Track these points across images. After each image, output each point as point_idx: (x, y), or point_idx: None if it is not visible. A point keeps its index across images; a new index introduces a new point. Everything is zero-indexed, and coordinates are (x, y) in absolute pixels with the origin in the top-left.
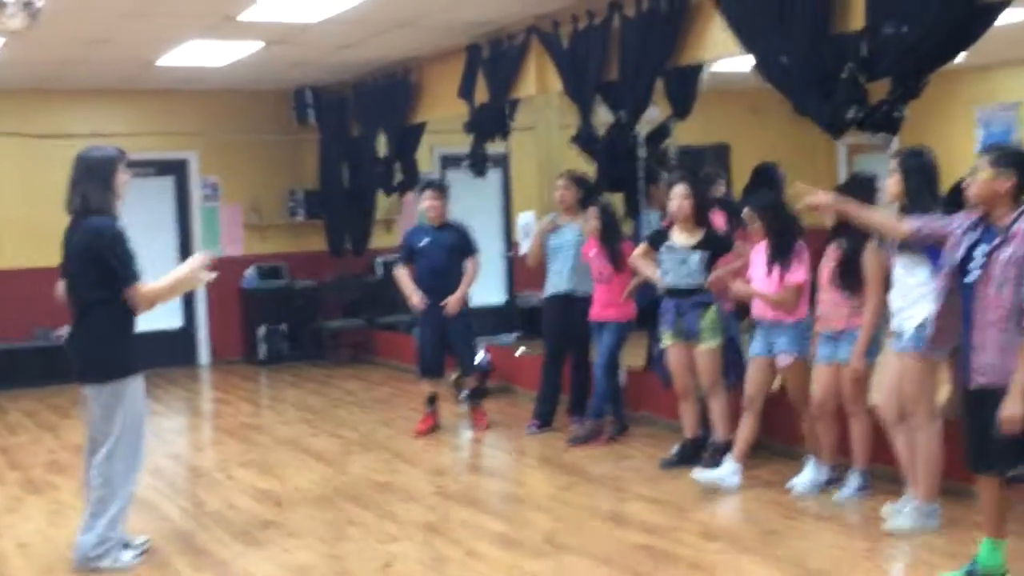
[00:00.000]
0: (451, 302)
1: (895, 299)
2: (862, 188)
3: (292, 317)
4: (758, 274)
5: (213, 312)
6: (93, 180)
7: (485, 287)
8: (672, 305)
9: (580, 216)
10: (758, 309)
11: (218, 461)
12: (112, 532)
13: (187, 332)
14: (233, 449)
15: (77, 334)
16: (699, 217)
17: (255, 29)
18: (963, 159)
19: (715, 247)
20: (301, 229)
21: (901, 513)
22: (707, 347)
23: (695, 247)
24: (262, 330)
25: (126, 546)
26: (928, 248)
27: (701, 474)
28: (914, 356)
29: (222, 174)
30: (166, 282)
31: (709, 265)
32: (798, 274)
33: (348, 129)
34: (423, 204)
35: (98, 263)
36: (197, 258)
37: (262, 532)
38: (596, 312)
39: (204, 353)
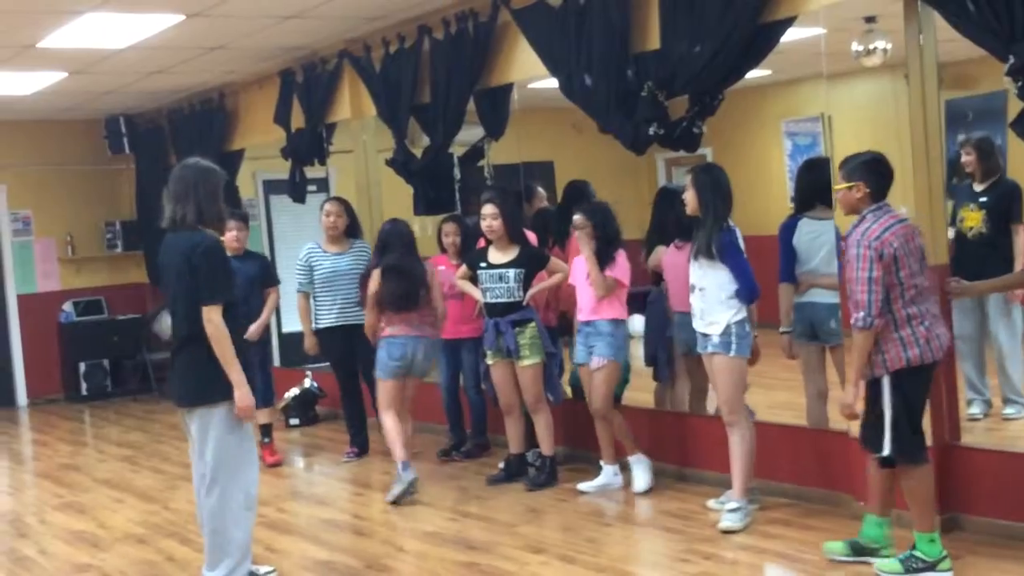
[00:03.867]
0: (251, 330)
1: (697, 303)
2: (671, 200)
3: (114, 351)
4: (581, 281)
5: (29, 350)
6: (208, 193)
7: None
8: (492, 323)
9: (347, 244)
10: (581, 315)
11: (32, 506)
12: None
13: (3, 371)
14: (48, 492)
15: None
16: (513, 234)
17: (57, 57)
18: (774, 170)
19: (531, 263)
20: (120, 261)
21: (725, 513)
22: (528, 364)
23: (510, 264)
24: (83, 366)
25: None
26: (726, 255)
27: (585, 485)
28: (725, 359)
29: (34, 207)
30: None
31: (527, 281)
32: (620, 271)
33: (165, 157)
34: (228, 234)
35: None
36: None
37: None
38: (451, 330)
39: (21, 393)
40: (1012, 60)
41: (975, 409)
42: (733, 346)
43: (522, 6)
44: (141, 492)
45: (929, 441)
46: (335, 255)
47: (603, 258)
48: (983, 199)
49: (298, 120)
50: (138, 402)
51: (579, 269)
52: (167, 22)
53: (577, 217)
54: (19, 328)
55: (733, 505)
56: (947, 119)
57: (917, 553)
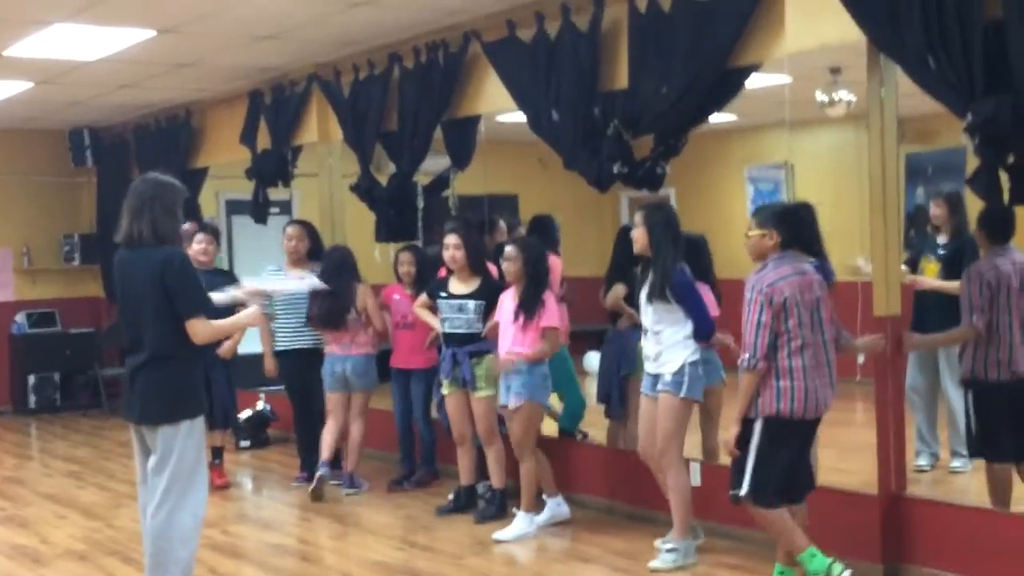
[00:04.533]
0: (225, 347)
1: (650, 345)
2: (626, 240)
3: (65, 365)
4: (506, 318)
5: None
6: (164, 209)
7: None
8: (449, 353)
9: (309, 267)
10: (502, 353)
11: None
12: None
13: None
14: None
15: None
16: (475, 266)
17: (24, 66)
18: (736, 215)
19: (491, 296)
20: (76, 274)
21: (662, 553)
22: (482, 395)
23: (471, 296)
24: (32, 379)
25: None
26: (682, 299)
27: (501, 534)
28: (672, 398)
29: None
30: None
31: (486, 313)
32: (551, 317)
33: (128, 172)
34: (194, 247)
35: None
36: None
37: None
38: (403, 360)
39: None
40: (970, 117)
41: (922, 461)
42: (685, 386)
43: (493, 40)
44: (85, 508)
45: (874, 490)
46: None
47: (531, 302)
48: (942, 251)
49: (264, 141)
50: (87, 417)
51: (506, 305)
52: (139, 36)
53: (509, 248)
54: None
55: (670, 545)
56: (907, 173)
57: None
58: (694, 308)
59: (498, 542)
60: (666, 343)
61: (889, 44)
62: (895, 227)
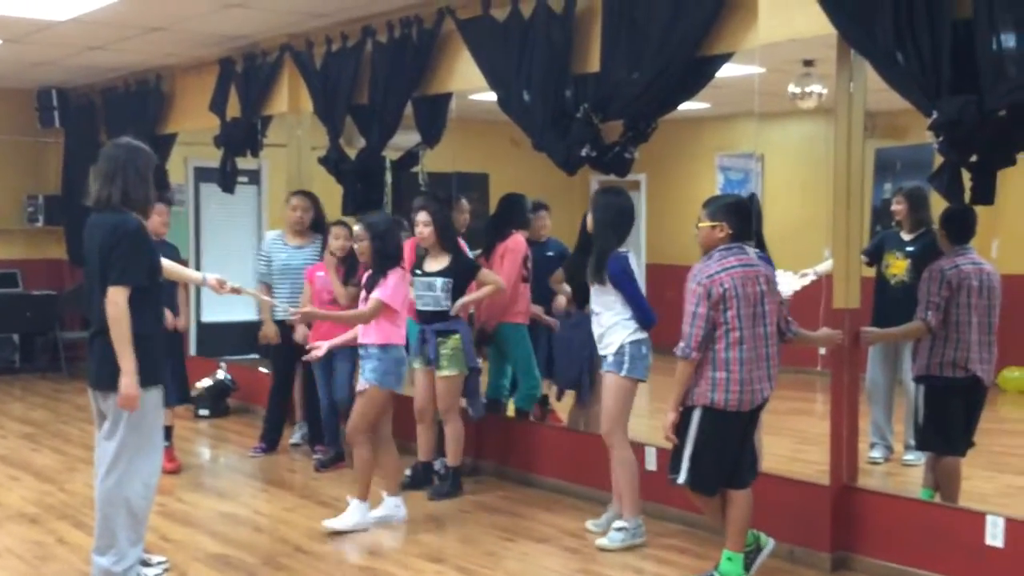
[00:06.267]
0: (181, 323)
1: (595, 327)
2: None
3: (25, 326)
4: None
5: None
6: (137, 174)
7: (233, 304)
8: (419, 331)
9: (308, 238)
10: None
11: None
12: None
13: None
14: None
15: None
16: (445, 243)
17: None
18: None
19: (460, 273)
20: (40, 235)
21: (611, 531)
22: (445, 374)
23: (439, 273)
24: None
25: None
26: (618, 283)
27: (332, 523)
28: (615, 377)
29: None
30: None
31: (455, 291)
32: (383, 290)
33: (96, 134)
34: (155, 219)
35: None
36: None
37: None
38: (324, 337)
39: None
40: (935, 115)
41: (876, 453)
42: (625, 366)
43: (467, 17)
44: (38, 471)
45: (826, 480)
46: (294, 248)
47: (375, 275)
48: (910, 248)
49: (234, 110)
50: (46, 380)
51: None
52: None
53: (357, 227)
54: None
55: (619, 524)
56: (876, 168)
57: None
58: (631, 296)
59: (331, 531)
60: (606, 324)
61: (859, 39)
62: (858, 221)
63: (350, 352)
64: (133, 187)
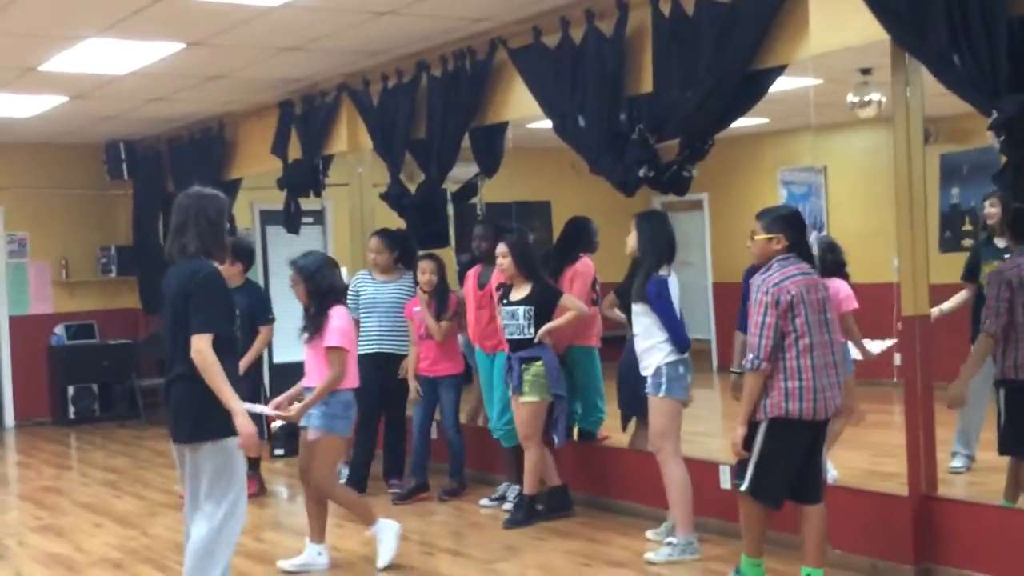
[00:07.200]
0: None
1: (637, 347)
2: None
3: (104, 376)
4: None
5: (19, 371)
6: (209, 221)
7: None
8: (506, 359)
9: (396, 274)
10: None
11: (11, 528)
12: None
13: None
14: (28, 515)
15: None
16: (525, 272)
17: (58, 81)
18: None
19: (541, 301)
20: (113, 286)
21: (663, 547)
22: (526, 400)
23: (521, 302)
24: (71, 390)
25: None
26: (654, 304)
27: (287, 563)
28: (654, 398)
29: (30, 229)
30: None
31: (538, 319)
32: (332, 336)
33: (163, 184)
34: (231, 267)
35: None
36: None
37: None
38: (428, 368)
39: (9, 415)
40: (995, 114)
41: (957, 463)
42: (663, 387)
43: (519, 46)
44: (121, 517)
45: (904, 491)
46: (380, 283)
47: (315, 320)
48: (1007, 255)
49: (295, 151)
50: (125, 427)
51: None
52: (168, 50)
53: (291, 273)
54: (9, 350)
55: (669, 539)
56: (942, 173)
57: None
58: (665, 319)
59: (285, 572)
60: (642, 347)
61: (913, 43)
62: (922, 227)
63: (454, 380)
64: (206, 235)
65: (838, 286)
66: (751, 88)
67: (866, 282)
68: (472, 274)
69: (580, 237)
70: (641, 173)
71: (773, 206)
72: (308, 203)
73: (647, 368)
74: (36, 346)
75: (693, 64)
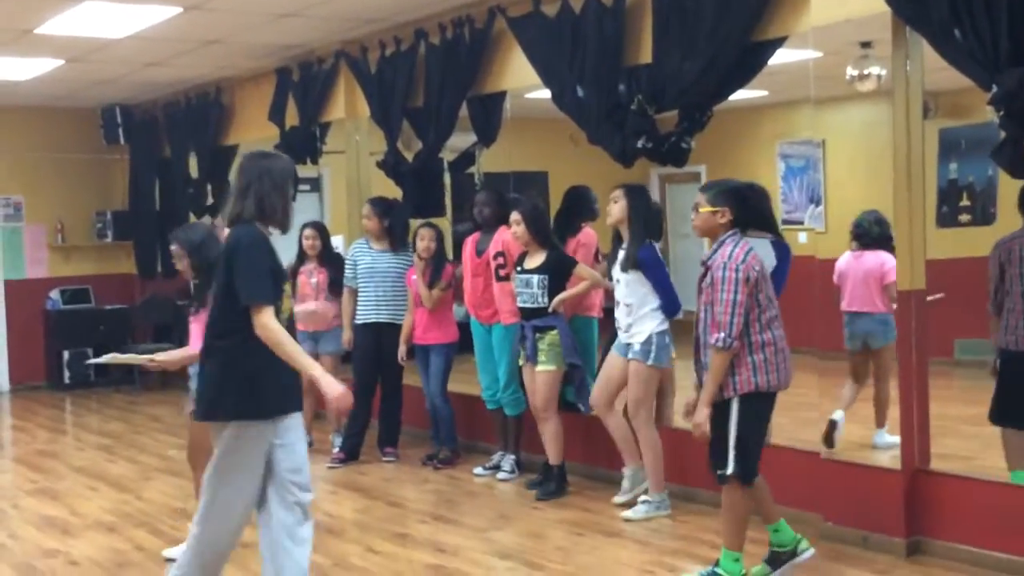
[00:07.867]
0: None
1: (622, 317)
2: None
3: (99, 340)
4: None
5: (14, 336)
6: (273, 185)
7: None
8: (519, 327)
9: (387, 242)
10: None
11: (6, 490)
12: None
13: None
14: (23, 478)
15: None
16: (539, 240)
17: (55, 44)
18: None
19: (555, 270)
20: (109, 251)
21: (636, 504)
22: (542, 370)
23: (535, 271)
24: (67, 354)
25: None
26: (648, 269)
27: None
28: (640, 365)
29: (25, 193)
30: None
31: (552, 288)
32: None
33: (159, 149)
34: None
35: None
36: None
37: (42, 561)
38: (420, 336)
39: (4, 379)
40: (995, 89)
41: None
42: (652, 355)
43: (518, 15)
44: (115, 481)
45: (898, 465)
46: (378, 252)
47: (202, 287)
48: None
49: (292, 118)
50: (120, 393)
51: None
52: (165, 14)
53: (173, 246)
54: (4, 314)
55: (644, 498)
56: (940, 148)
57: (719, 570)
58: (660, 283)
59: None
60: (636, 315)
61: (914, 16)
62: (920, 201)
63: (444, 349)
64: (268, 198)
65: (883, 258)
66: (750, 60)
67: None
68: (470, 241)
69: (581, 206)
70: (639, 144)
71: (720, 179)
72: (305, 170)
73: (637, 335)
74: (31, 310)
75: (693, 35)
